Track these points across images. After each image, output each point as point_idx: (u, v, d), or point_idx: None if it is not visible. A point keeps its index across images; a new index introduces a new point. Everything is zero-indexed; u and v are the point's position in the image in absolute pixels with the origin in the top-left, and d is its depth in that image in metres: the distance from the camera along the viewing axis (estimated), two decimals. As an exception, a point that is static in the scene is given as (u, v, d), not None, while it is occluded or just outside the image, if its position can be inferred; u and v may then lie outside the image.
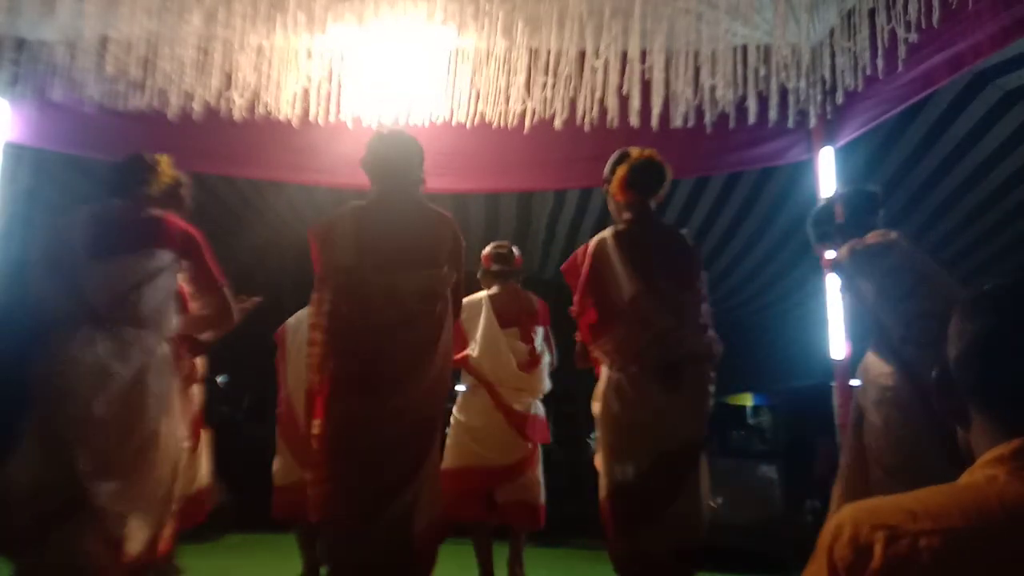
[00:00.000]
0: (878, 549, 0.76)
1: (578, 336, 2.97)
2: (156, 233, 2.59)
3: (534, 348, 3.71)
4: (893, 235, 2.80)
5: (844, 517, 0.82)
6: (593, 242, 2.82)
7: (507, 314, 3.71)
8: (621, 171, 2.80)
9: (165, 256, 2.58)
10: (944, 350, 0.92)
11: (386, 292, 2.52)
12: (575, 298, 2.84)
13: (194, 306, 2.76)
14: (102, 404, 2.39)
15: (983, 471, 0.83)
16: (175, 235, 2.62)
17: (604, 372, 2.81)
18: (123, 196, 2.67)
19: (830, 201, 3.11)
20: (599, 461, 2.82)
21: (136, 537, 2.40)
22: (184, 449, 2.67)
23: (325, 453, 2.47)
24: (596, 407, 2.80)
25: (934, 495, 0.81)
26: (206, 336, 2.84)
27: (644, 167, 2.79)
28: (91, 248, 2.52)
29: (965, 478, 0.85)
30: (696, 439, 2.68)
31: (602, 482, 2.73)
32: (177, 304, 2.67)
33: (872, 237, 2.80)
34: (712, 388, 2.74)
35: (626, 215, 2.84)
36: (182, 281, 2.69)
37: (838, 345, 3.64)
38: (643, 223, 2.81)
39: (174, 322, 2.64)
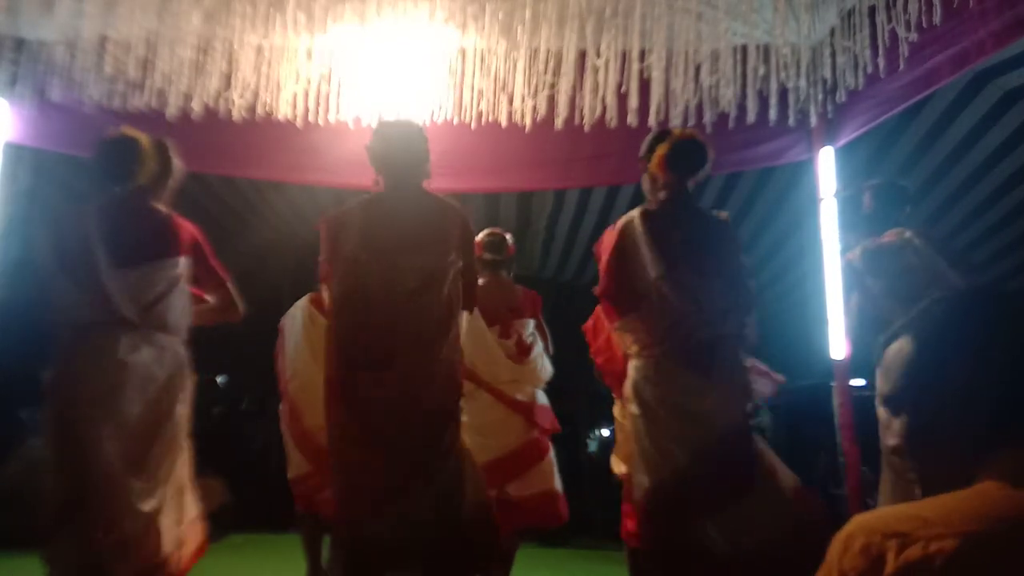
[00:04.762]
0: (891, 557, 0.75)
1: (594, 357, 2.94)
2: (171, 239, 2.64)
3: (521, 339, 3.62)
4: (908, 234, 2.79)
5: (853, 528, 0.81)
6: (621, 221, 2.72)
7: (490, 311, 3.64)
8: (662, 149, 2.70)
9: (182, 262, 2.65)
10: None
11: (387, 276, 2.54)
12: (600, 276, 2.76)
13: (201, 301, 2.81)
14: (143, 405, 2.49)
15: (990, 478, 0.82)
16: (186, 239, 2.67)
17: (630, 366, 2.68)
18: (117, 183, 2.67)
19: (859, 190, 3.08)
20: (620, 463, 2.71)
21: (164, 534, 2.46)
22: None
23: (341, 439, 2.49)
24: (627, 406, 2.67)
25: (944, 501, 0.80)
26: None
27: (686, 147, 2.70)
28: (111, 255, 2.54)
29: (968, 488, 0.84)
30: (739, 423, 2.53)
31: (636, 480, 2.57)
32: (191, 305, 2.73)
33: (887, 236, 2.79)
34: (745, 368, 2.62)
35: (661, 194, 2.74)
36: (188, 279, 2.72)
37: (838, 345, 3.64)
38: (676, 204, 2.71)
39: (189, 324, 2.70)
